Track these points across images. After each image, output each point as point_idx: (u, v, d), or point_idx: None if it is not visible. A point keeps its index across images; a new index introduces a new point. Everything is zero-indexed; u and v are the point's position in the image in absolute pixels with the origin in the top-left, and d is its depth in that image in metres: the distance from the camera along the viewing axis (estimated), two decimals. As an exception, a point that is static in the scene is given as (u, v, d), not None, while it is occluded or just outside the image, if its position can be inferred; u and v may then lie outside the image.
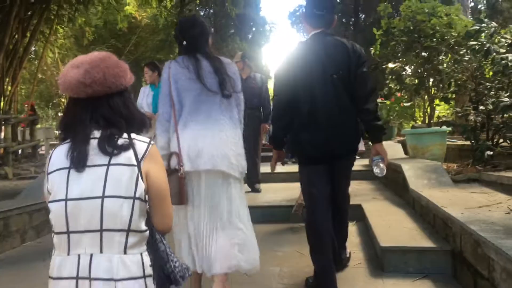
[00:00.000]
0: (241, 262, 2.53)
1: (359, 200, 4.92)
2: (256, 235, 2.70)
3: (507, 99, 4.62)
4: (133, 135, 1.52)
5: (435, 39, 6.65)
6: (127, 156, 1.46)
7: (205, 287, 2.76)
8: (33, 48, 12.58)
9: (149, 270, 1.44)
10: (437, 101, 8.68)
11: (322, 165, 2.90)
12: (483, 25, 5.08)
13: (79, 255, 1.40)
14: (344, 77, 2.75)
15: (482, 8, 20.23)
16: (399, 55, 7.51)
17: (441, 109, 11.62)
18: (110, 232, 1.39)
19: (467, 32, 5.30)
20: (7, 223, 4.44)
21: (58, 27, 11.65)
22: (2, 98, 10.11)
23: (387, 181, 6.09)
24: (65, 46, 12.92)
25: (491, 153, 5.07)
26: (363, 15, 21.64)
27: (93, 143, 1.46)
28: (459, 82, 6.31)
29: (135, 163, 1.45)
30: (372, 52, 7.53)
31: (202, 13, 20.96)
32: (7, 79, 10.16)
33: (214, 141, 2.51)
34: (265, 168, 6.82)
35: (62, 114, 1.49)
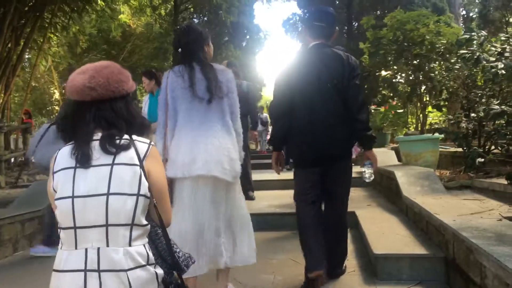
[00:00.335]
0: (236, 256, 2.77)
1: (352, 207, 4.91)
2: (250, 243, 2.79)
3: (497, 106, 4.67)
4: (134, 137, 1.62)
5: (424, 47, 6.73)
6: (130, 156, 1.56)
7: (198, 295, 2.75)
8: (26, 56, 12.56)
9: (152, 259, 1.55)
10: (429, 108, 8.75)
11: (318, 169, 3.04)
12: (473, 33, 5.14)
13: (86, 249, 1.48)
14: (338, 86, 2.92)
15: (474, 16, 20.45)
16: (390, 62, 7.58)
17: (434, 116, 11.68)
18: (115, 227, 1.49)
19: (458, 41, 5.36)
20: (-1, 232, 4.42)
21: (52, 35, 11.65)
22: (-5, 106, 10.07)
23: (380, 187, 6.12)
24: (59, 54, 12.91)
25: (483, 160, 5.11)
26: (356, 23, 21.78)
27: (95, 143, 1.56)
28: (450, 90, 6.38)
29: (137, 162, 1.56)
30: (363, 61, 7.60)
31: (196, 21, 21.00)
32: (0, 87, 10.12)
33: (208, 147, 2.60)
34: (259, 176, 6.83)
35: (63, 115, 1.60)
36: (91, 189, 1.51)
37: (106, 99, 1.61)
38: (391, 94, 8.38)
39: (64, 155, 1.59)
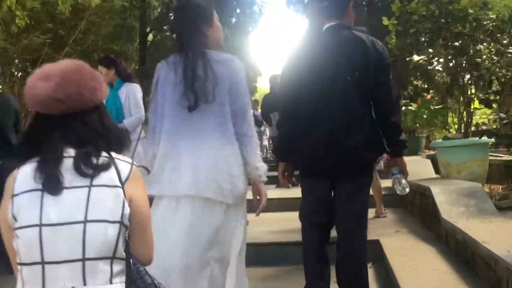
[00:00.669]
0: None
1: (376, 234, 4.92)
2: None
3: None
4: (113, 154, 1.72)
5: (467, 24, 6.74)
6: (109, 177, 1.65)
7: None
8: None
9: None
10: (475, 104, 8.78)
11: (327, 183, 3.15)
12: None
13: None
14: (360, 80, 2.98)
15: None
16: (424, 45, 7.60)
17: (481, 114, 11.73)
18: (93, 261, 1.56)
19: (511, 16, 5.40)
20: None
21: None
22: None
23: (412, 208, 6.12)
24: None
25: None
26: (380, -7, 21.87)
27: (67, 162, 1.64)
28: (503, 80, 6.40)
29: (119, 184, 1.65)
30: (389, 43, 7.60)
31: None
32: None
33: (199, 162, 2.64)
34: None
35: (26, 129, 1.67)
36: (64, 216, 1.56)
37: (76, 111, 1.70)
38: (426, 86, 8.43)
39: (26, 175, 1.63)
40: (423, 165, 7.38)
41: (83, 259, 1.54)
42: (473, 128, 9.54)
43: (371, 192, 5.70)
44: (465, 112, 8.91)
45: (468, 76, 7.52)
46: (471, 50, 7.07)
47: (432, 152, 8.43)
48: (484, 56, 6.84)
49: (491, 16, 6.63)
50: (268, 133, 15.23)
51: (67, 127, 1.69)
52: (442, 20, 7.00)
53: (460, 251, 3.92)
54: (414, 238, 4.84)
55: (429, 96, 10.21)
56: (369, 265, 4.51)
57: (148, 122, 2.91)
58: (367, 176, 3.23)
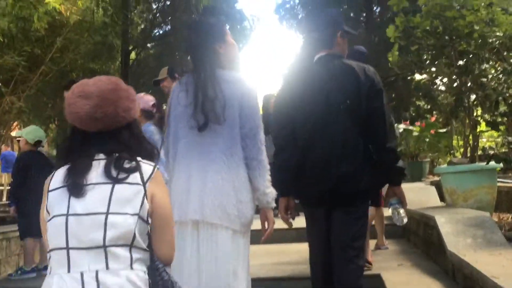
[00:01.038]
0: None
1: (377, 268, 4.92)
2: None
3: None
4: (138, 158, 2.01)
5: (473, 42, 6.80)
6: (133, 176, 1.94)
7: None
8: None
9: None
10: (482, 127, 8.84)
11: (322, 211, 3.29)
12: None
13: (81, 273, 1.79)
14: (352, 108, 3.15)
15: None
16: (426, 63, 7.65)
17: (489, 137, 11.82)
18: (114, 248, 1.83)
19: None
20: None
21: None
22: None
23: (416, 239, 6.13)
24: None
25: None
26: (378, 8, 22.09)
27: (97, 163, 1.95)
28: (510, 101, 6.45)
29: (140, 182, 1.94)
30: (390, 59, 7.65)
31: (155, 6, 21.13)
32: None
33: (206, 186, 2.77)
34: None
35: (63, 142, 2.26)
36: (89, 207, 1.86)
37: (111, 129, 2.01)
38: (429, 107, 8.46)
39: (61, 174, 1.96)
40: (427, 193, 7.41)
41: (104, 246, 1.82)
42: (480, 152, 9.58)
43: (372, 222, 5.74)
44: (471, 135, 8.94)
45: (473, 97, 7.55)
46: (477, 69, 7.12)
47: (436, 178, 8.46)
48: (490, 76, 6.89)
49: (498, 33, 6.70)
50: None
51: (101, 142, 2.00)
52: (446, 37, 7.05)
53: (468, 287, 3.91)
54: (418, 272, 4.84)
55: (433, 119, 10.26)
56: (370, 302, 4.50)
57: None
58: (362, 205, 3.32)
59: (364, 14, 21.81)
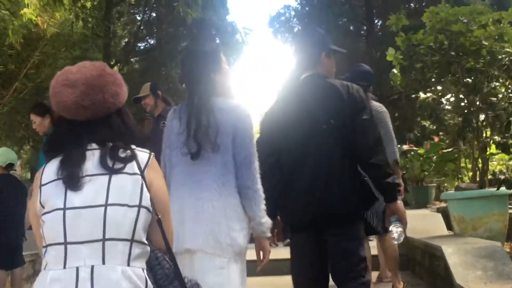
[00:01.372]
0: None
1: (379, 303, 4.90)
2: None
3: None
4: (133, 146, 2.09)
5: (481, 58, 6.83)
6: (129, 165, 2.01)
7: None
8: None
9: (150, 287, 1.94)
10: (492, 149, 8.87)
11: (316, 238, 3.40)
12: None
13: (77, 268, 1.84)
14: (336, 128, 3.32)
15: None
16: (432, 80, 7.69)
17: (499, 160, 11.84)
18: (113, 242, 1.88)
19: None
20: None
21: None
22: None
23: (420, 270, 6.11)
24: None
25: None
26: (380, 21, 22.25)
27: (92, 155, 2.01)
28: (522, 121, 6.47)
29: (138, 172, 2.01)
30: (392, 79, 7.69)
31: (139, 18, 21.21)
32: None
33: (198, 214, 2.87)
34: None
35: (51, 133, 2.41)
36: (87, 200, 1.92)
37: (100, 116, 2.07)
38: (435, 128, 8.49)
39: (53, 167, 2.01)
40: (433, 220, 7.40)
41: (103, 240, 1.87)
42: (489, 177, 9.58)
43: (374, 252, 5.72)
44: (480, 158, 8.97)
45: (482, 117, 7.58)
46: (485, 88, 7.15)
47: (443, 205, 8.45)
48: (500, 95, 6.92)
49: (508, 49, 6.74)
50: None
51: (91, 130, 2.06)
52: (452, 53, 7.08)
53: (478, 323, 3.90)
54: (424, 307, 4.82)
55: (437, 139, 10.29)
56: None
57: None
58: (354, 227, 3.42)
59: (365, 28, 21.95)
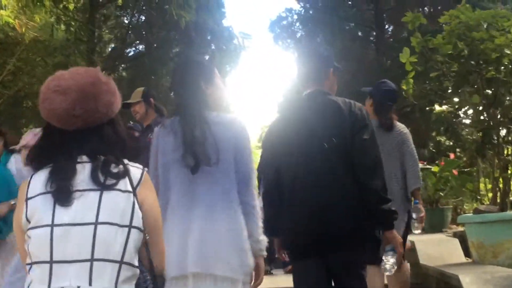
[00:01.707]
0: None
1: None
2: None
3: None
4: (125, 161, 2.16)
5: (503, 68, 6.81)
6: (122, 182, 2.07)
7: None
8: None
9: None
10: (514, 167, 8.86)
11: (314, 263, 3.50)
12: None
13: None
14: (338, 146, 3.47)
15: None
16: (448, 92, 7.67)
17: (522, 180, 11.83)
18: (101, 262, 1.94)
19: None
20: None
21: None
22: None
23: (437, 302, 6.07)
24: None
25: None
26: (391, 27, 22.31)
27: (82, 167, 2.08)
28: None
29: (130, 189, 2.08)
30: (404, 88, 7.65)
31: (126, 21, 21.22)
32: None
33: (205, 235, 2.95)
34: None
35: (38, 140, 2.34)
36: (76, 217, 1.97)
37: (92, 126, 2.13)
38: (451, 143, 8.47)
39: (40, 179, 2.06)
40: (449, 246, 7.37)
41: (91, 260, 1.93)
42: (511, 198, 9.58)
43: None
44: (501, 177, 8.96)
45: (504, 132, 7.56)
46: (507, 100, 7.14)
47: (460, 229, 8.43)
48: (524, 109, 6.90)
49: (532, 58, 6.73)
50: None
51: (82, 141, 2.12)
52: (472, 62, 7.06)
53: None
54: None
55: (452, 156, 10.27)
56: None
57: None
58: (357, 252, 3.51)
59: (374, 33, 21.94)
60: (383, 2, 21.08)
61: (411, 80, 7.53)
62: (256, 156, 7.18)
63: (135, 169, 2.16)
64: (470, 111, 8.04)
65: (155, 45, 21.41)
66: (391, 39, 21.35)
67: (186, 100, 3.17)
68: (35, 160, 2.16)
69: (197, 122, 3.06)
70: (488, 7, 8.02)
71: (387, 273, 3.62)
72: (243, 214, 3.06)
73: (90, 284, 1.90)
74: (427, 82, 7.73)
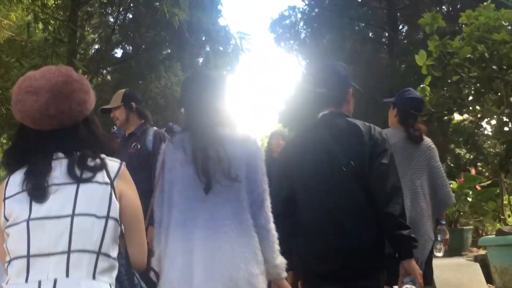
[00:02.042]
0: None
1: None
2: None
3: None
4: (102, 155, 2.34)
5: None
6: (99, 174, 2.26)
7: None
8: None
9: None
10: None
11: None
12: None
13: (39, 281, 2.08)
14: (357, 170, 3.59)
15: None
16: (469, 100, 7.66)
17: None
18: (79, 253, 2.12)
19: None
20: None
21: None
22: None
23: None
24: None
25: None
26: (405, 28, 22.31)
27: (59, 163, 2.26)
28: None
29: (107, 181, 2.26)
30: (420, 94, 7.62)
31: (112, 19, 21.18)
32: None
33: (214, 258, 3.04)
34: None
35: (13, 141, 2.57)
36: (53, 210, 2.15)
37: (67, 125, 2.30)
38: (472, 157, 8.46)
39: (17, 179, 2.24)
40: (470, 272, 7.35)
41: (68, 251, 2.10)
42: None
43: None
44: (527, 195, 8.97)
45: (529, 146, 7.56)
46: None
47: (481, 252, 8.42)
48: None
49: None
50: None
51: (57, 141, 2.29)
52: (494, 67, 7.04)
53: None
54: None
55: (473, 171, 10.24)
56: None
57: None
58: (377, 277, 3.64)
59: (387, 35, 21.85)
60: (396, 1, 21.00)
61: (428, 87, 7.51)
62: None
63: (113, 162, 2.35)
64: (493, 121, 8.02)
65: (143, 46, 21.37)
66: (406, 41, 21.28)
67: (198, 117, 3.30)
68: (11, 162, 2.34)
69: (210, 140, 3.19)
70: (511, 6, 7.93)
71: None
72: (258, 239, 3.16)
73: (67, 275, 2.07)
74: (445, 88, 7.72)
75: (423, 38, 8.33)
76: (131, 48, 22.22)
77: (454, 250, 9.21)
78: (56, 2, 15.04)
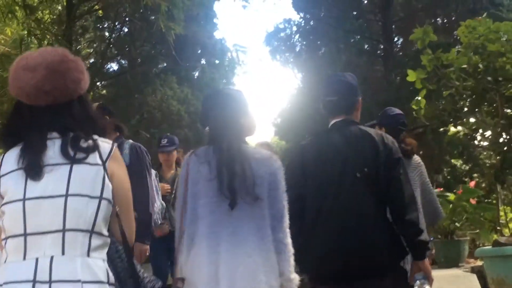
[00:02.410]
0: None
1: None
2: None
3: None
4: (95, 136, 2.44)
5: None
6: (91, 155, 2.36)
7: None
8: None
9: (112, 279, 2.34)
10: (536, 196, 8.86)
11: None
12: None
13: (37, 259, 2.19)
14: (370, 177, 3.73)
15: None
16: (464, 111, 7.67)
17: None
18: (73, 232, 2.24)
19: None
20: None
21: None
22: None
23: None
24: None
25: None
26: (400, 39, 22.32)
27: (52, 143, 2.35)
28: None
29: (100, 162, 2.36)
30: (414, 108, 7.63)
31: (107, 33, 21.15)
32: None
33: (238, 270, 3.16)
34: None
35: (8, 118, 2.67)
36: (47, 190, 2.25)
37: (61, 102, 2.40)
38: (467, 168, 8.47)
39: (12, 156, 2.35)
40: (466, 283, 7.36)
41: (63, 230, 2.21)
42: (534, 229, 9.57)
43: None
44: (522, 206, 8.99)
45: (525, 157, 7.57)
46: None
47: (478, 264, 8.42)
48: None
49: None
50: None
51: (52, 117, 2.39)
52: (489, 78, 7.03)
53: None
54: None
55: (472, 184, 10.24)
56: None
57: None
58: (385, 281, 3.71)
59: (382, 47, 21.85)
60: (390, 13, 21.00)
61: (423, 100, 7.50)
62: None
63: (105, 144, 2.45)
64: (488, 133, 8.03)
65: (139, 60, 21.32)
66: (401, 53, 21.31)
67: (224, 134, 3.40)
68: (6, 138, 2.47)
69: (236, 156, 3.32)
70: (509, 18, 7.94)
71: None
72: (276, 253, 3.28)
73: (63, 253, 2.19)
74: (440, 101, 7.73)
75: (418, 50, 8.30)
76: (126, 62, 22.17)
77: (450, 261, 9.25)
78: (51, 17, 15.03)
